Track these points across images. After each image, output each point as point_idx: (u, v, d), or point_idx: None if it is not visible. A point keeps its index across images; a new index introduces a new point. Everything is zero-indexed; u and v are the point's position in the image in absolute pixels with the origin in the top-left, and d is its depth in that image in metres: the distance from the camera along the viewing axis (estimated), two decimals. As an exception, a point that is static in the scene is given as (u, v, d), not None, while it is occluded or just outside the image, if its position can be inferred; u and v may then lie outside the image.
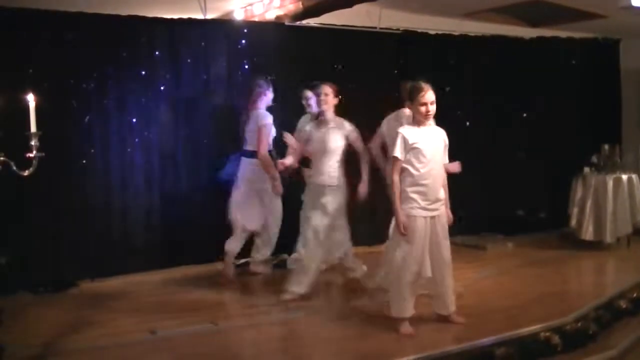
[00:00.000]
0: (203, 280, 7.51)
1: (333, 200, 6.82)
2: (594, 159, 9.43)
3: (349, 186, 7.00)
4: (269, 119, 7.53)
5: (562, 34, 10.48)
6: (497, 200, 9.34)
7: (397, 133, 5.74)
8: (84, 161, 7.54)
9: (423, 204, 5.68)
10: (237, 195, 7.62)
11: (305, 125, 7.44)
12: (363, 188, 7.01)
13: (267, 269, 8.03)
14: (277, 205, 7.79)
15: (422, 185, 5.66)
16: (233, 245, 7.69)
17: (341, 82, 8.52)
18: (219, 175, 7.73)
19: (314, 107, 7.56)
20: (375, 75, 9.19)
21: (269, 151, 7.57)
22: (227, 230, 7.59)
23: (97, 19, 7.53)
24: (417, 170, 5.64)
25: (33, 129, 4.41)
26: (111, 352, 5.62)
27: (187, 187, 8.16)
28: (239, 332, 6.14)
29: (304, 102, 7.77)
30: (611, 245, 9.07)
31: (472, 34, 9.97)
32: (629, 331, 6.37)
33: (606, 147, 9.48)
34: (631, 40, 10.88)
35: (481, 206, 8.57)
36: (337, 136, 6.89)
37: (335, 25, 9.02)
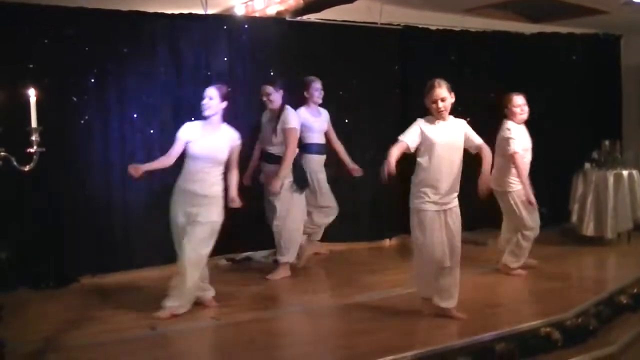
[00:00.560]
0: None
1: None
2: (595, 154, 9.43)
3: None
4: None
5: (563, 29, 10.48)
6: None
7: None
8: (85, 157, 7.53)
9: (434, 198, 5.78)
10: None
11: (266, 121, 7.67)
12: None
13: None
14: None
15: (434, 179, 5.75)
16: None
17: (342, 78, 8.55)
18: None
19: (275, 103, 7.48)
20: (376, 70, 9.19)
21: None
22: (228, 227, 7.59)
23: (97, 14, 7.52)
24: (430, 164, 5.74)
25: (34, 124, 4.40)
26: (112, 348, 5.62)
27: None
28: (239, 327, 6.13)
29: (264, 98, 7.52)
30: (612, 241, 9.08)
31: (473, 30, 9.96)
32: (629, 327, 6.39)
33: (607, 142, 9.49)
34: (632, 36, 10.88)
35: (482, 201, 8.53)
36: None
37: (336, 20, 9.01)
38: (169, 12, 8.04)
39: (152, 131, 7.82)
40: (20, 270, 7.01)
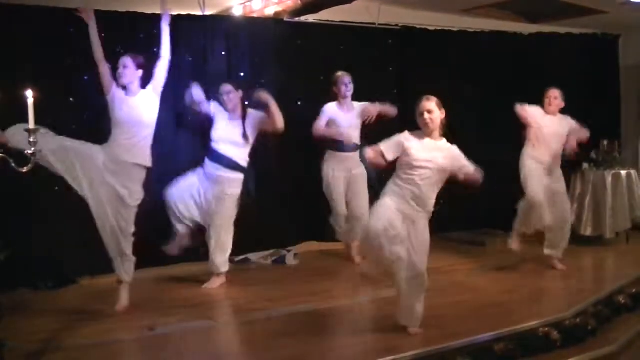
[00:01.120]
0: (202, 278, 7.50)
1: None
2: (593, 154, 9.44)
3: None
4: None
5: (562, 29, 10.48)
6: (496, 196, 9.32)
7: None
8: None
9: (403, 207, 5.54)
10: None
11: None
12: None
13: None
14: None
15: (410, 192, 5.54)
16: None
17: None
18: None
19: (233, 103, 7.31)
20: (374, 71, 9.19)
21: None
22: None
23: (95, 15, 7.51)
24: (409, 177, 5.54)
25: (31, 125, 4.40)
26: (111, 348, 5.63)
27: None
28: (238, 328, 6.14)
29: (224, 97, 7.32)
30: (610, 241, 9.09)
31: (471, 30, 9.96)
32: (628, 327, 6.40)
33: (605, 142, 9.50)
34: (631, 36, 10.88)
35: (480, 202, 8.55)
36: None
37: (334, 21, 9.01)
38: (167, 13, 8.03)
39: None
40: (20, 270, 7.00)
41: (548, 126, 7.76)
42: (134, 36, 7.79)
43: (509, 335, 5.65)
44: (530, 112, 7.73)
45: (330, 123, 7.95)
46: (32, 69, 7.11)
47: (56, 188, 7.17)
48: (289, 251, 8.51)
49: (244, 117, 7.30)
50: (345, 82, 8.00)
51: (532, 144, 7.74)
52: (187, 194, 7.33)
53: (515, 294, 7.02)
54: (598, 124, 9.99)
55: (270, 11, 9.02)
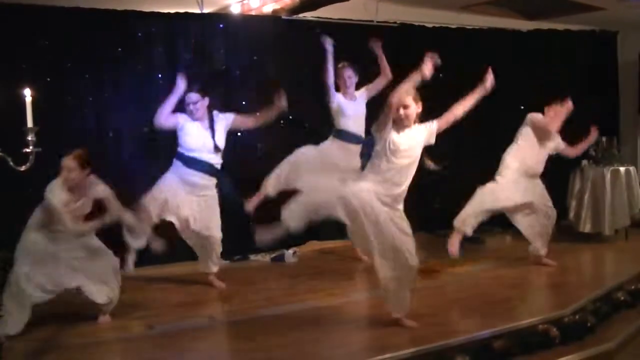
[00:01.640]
0: (199, 276, 7.50)
1: None
2: (592, 151, 9.43)
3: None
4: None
5: (560, 26, 10.48)
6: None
7: None
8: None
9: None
10: None
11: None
12: None
13: None
14: None
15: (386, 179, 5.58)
16: None
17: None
18: None
19: (201, 112, 7.13)
20: (371, 69, 9.17)
21: None
22: (228, 225, 7.59)
23: (93, 14, 7.52)
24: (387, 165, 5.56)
25: (30, 124, 4.40)
26: (109, 346, 5.66)
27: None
28: (237, 326, 6.15)
29: (190, 107, 7.11)
30: (609, 238, 9.09)
31: (469, 27, 9.96)
32: (627, 323, 6.40)
33: (604, 139, 9.49)
34: (629, 33, 10.88)
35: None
36: None
37: (332, 18, 9.01)
38: (165, 11, 8.03)
39: (147, 130, 7.80)
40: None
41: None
42: (132, 35, 7.77)
43: (507, 333, 5.65)
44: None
45: (337, 111, 7.88)
46: (28, 68, 7.10)
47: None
48: (287, 249, 8.51)
49: (212, 126, 7.19)
50: (345, 75, 7.96)
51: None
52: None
53: (514, 291, 7.02)
54: (596, 120, 10.00)
55: (268, 9, 9.02)
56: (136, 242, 6.98)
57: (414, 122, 5.65)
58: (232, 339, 5.95)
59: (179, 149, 7.07)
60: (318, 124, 8.34)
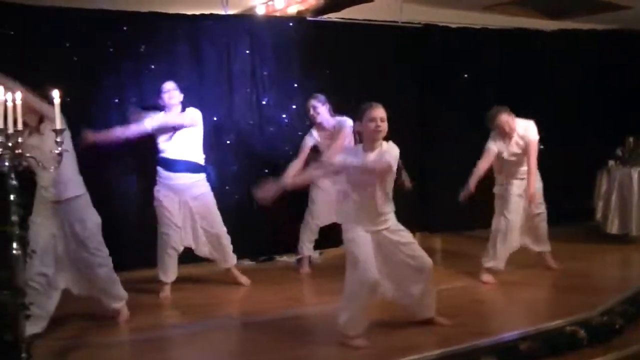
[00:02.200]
0: (221, 277, 7.54)
1: None
2: (619, 151, 9.35)
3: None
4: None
5: (584, 26, 10.41)
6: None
7: None
8: (103, 156, 7.47)
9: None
10: None
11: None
12: None
13: None
14: None
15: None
16: None
17: (362, 77, 8.49)
18: None
19: (172, 102, 7.10)
20: (396, 69, 9.18)
21: None
22: (244, 227, 7.59)
23: (119, 15, 7.56)
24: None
25: (58, 125, 4.43)
26: (134, 346, 5.73)
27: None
28: (261, 326, 6.15)
29: (164, 95, 7.09)
30: (637, 239, 8.99)
31: (493, 27, 9.92)
32: (655, 325, 6.34)
33: (631, 139, 9.40)
34: (655, 32, 10.80)
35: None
36: None
37: (357, 19, 9.00)
38: (190, 12, 8.06)
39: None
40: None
41: None
42: (157, 36, 7.80)
43: (534, 334, 5.61)
44: None
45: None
46: (54, 70, 7.13)
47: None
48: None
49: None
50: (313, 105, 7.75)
51: None
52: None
53: (540, 293, 6.99)
54: (623, 120, 9.94)
55: (292, 10, 9.03)
56: None
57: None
58: (255, 340, 5.94)
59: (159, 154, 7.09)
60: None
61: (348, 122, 7.36)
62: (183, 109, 7.09)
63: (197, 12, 8.12)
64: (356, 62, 8.81)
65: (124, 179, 7.78)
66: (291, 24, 8.70)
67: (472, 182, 7.08)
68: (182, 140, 7.03)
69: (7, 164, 4.21)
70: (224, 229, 7.30)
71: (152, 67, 7.75)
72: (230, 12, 8.59)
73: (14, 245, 4.27)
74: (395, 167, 5.43)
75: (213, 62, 8.08)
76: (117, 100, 7.63)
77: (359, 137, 5.59)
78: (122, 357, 5.62)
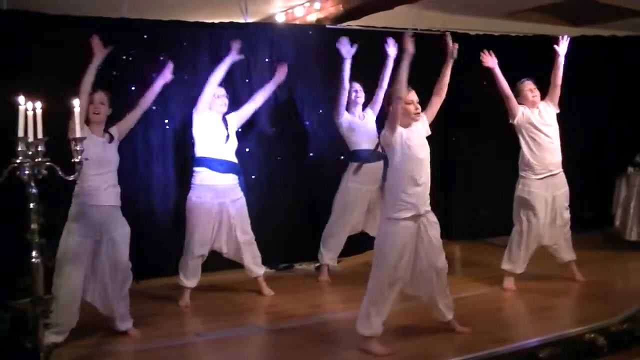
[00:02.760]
0: (244, 284, 7.57)
1: None
2: (638, 158, 9.33)
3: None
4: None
5: (605, 32, 10.38)
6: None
7: None
8: (124, 164, 7.50)
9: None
10: None
11: None
12: None
13: None
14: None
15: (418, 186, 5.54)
16: None
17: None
18: None
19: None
20: (416, 76, 9.16)
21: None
22: (265, 235, 7.60)
23: (139, 24, 7.61)
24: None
25: (78, 134, 4.48)
26: (158, 353, 5.73)
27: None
28: (281, 334, 6.17)
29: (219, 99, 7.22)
30: (656, 246, 8.97)
31: (513, 34, 9.91)
32: (675, 332, 6.30)
33: (650, 146, 9.39)
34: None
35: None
36: None
37: (376, 27, 9.02)
38: (209, 21, 8.10)
39: (192, 140, 7.84)
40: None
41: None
42: (178, 44, 7.84)
43: (554, 341, 5.60)
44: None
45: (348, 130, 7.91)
46: (72, 78, 7.17)
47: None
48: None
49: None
50: (355, 89, 7.93)
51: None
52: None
53: (560, 300, 6.97)
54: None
55: (312, 18, 9.07)
56: None
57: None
58: (278, 347, 5.96)
59: (204, 154, 7.10)
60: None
61: None
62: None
63: (217, 21, 8.16)
64: (375, 69, 8.81)
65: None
66: (310, 32, 8.74)
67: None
68: (230, 141, 7.15)
69: (27, 172, 4.28)
70: (252, 234, 7.33)
71: (174, 75, 7.78)
72: (250, 20, 8.63)
73: (34, 253, 4.33)
74: None
75: (233, 70, 8.09)
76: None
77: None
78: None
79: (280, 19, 9.50)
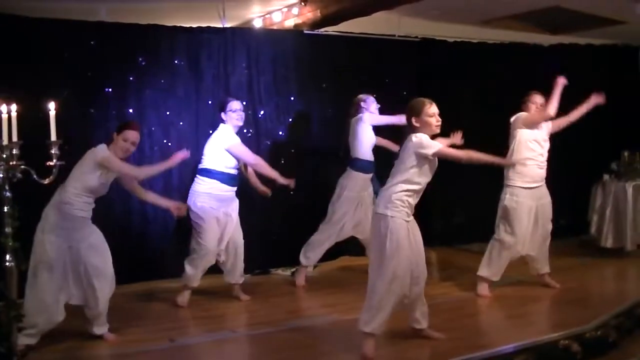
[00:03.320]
0: (219, 290, 7.52)
1: None
2: (614, 165, 9.39)
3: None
4: None
5: (582, 40, 10.45)
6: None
7: None
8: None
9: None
10: None
11: None
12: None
13: None
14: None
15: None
16: None
17: (360, 90, 8.49)
18: None
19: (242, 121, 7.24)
20: (393, 82, 9.20)
21: None
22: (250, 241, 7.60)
23: (117, 27, 7.58)
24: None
25: (53, 137, 4.45)
26: (133, 358, 5.66)
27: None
28: (258, 339, 6.16)
29: (236, 114, 7.15)
30: (631, 253, 9.00)
31: (491, 42, 9.96)
32: (650, 338, 6.35)
33: (626, 154, 9.44)
34: (651, 47, 10.84)
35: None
36: None
37: (354, 33, 9.03)
38: (187, 25, 8.08)
39: (170, 144, 7.84)
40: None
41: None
42: (156, 49, 7.82)
43: (529, 347, 5.62)
44: None
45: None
46: (52, 81, 7.14)
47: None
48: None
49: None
50: (362, 99, 7.91)
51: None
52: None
53: (535, 306, 7.00)
54: (618, 135, 9.98)
55: (290, 23, 9.07)
56: None
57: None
58: (253, 353, 5.95)
59: (217, 168, 7.07)
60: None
61: None
62: (179, 122, 7.12)
63: (195, 25, 8.14)
64: (353, 75, 8.84)
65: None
66: (288, 38, 8.74)
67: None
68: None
69: (1, 175, 4.25)
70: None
71: (150, 79, 7.77)
72: (228, 25, 8.61)
73: (7, 257, 4.30)
74: None
75: (210, 75, 8.09)
76: (114, 112, 7.63)
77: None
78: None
79: (258, 24, 9.49)
